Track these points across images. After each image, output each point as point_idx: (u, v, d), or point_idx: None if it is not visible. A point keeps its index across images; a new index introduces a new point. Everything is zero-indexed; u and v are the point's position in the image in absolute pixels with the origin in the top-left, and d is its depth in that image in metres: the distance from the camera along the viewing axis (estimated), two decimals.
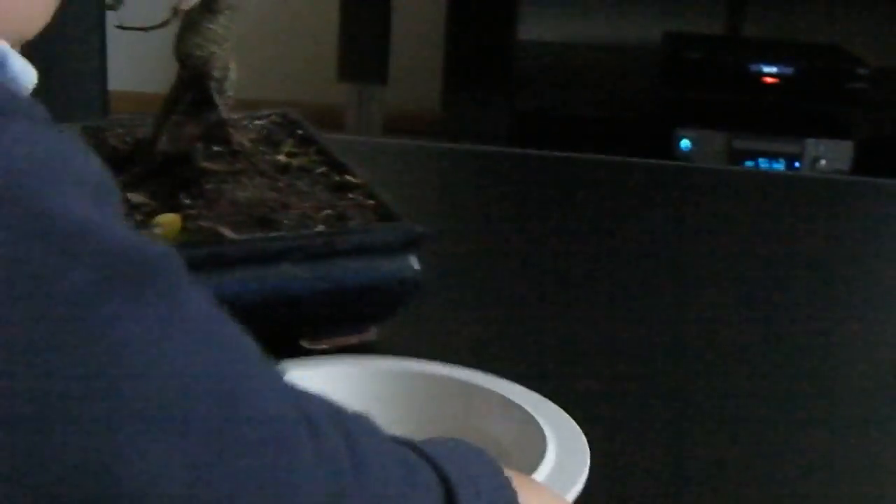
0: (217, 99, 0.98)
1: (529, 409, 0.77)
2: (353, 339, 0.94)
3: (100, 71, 1.75)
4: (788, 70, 3.28)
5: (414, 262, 0.92)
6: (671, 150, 3.18)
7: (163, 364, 0.42)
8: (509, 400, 0.78)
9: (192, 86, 0.97)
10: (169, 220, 0.89)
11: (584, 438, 0.74)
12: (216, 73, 0.96)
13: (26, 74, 0.50)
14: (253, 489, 0.43)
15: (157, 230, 0.89)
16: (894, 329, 1.06)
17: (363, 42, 3.35)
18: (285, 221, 0.91)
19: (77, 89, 1.77)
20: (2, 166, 0.41)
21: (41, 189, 0.42)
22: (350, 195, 0.98)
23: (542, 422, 0.75)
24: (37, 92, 0.50)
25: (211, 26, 0.95)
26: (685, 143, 3.26)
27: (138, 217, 0.91)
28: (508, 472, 0.57)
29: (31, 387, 0.39)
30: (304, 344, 0.93)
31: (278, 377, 0.49)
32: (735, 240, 1.23)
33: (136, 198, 0.94)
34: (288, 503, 0.44)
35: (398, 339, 0.96)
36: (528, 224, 1.26)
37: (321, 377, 0.80)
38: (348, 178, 1.00)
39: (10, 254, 0.40)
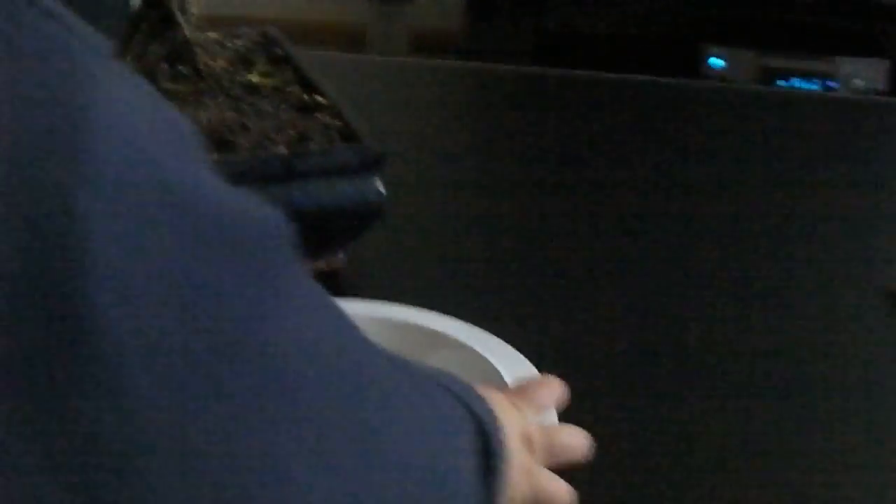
0: (179, 18, 0.95)
1: (487, 354, 0.75)
2: (321, 265, 0.93)
3: None
4: None
5: (377, 185, 0.89)
6: (700, 68, 3.13)
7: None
8: (469, 346, 0.76)
9: (155, 4, 0.95)
10: None
11: None
12: None
13: None
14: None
15: None
16: None
17: None
18: (244, 143, 0.88)
19: None
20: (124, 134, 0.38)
21: (160, 157, 0.39)
22: (317, 115, 0.95)
23: (499, 366, 0.73)
24: None
25: None
26: (715, 62, 3.20)
27: None
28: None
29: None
30: None
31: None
32: (759, 165, 1.19)
33: None
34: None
35: (367, 265, 0.94)
36: (529, 147, 1.23)
37: None
38: (317, 98, 0.98)
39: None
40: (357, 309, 0.80)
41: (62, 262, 0.35)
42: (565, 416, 0.73)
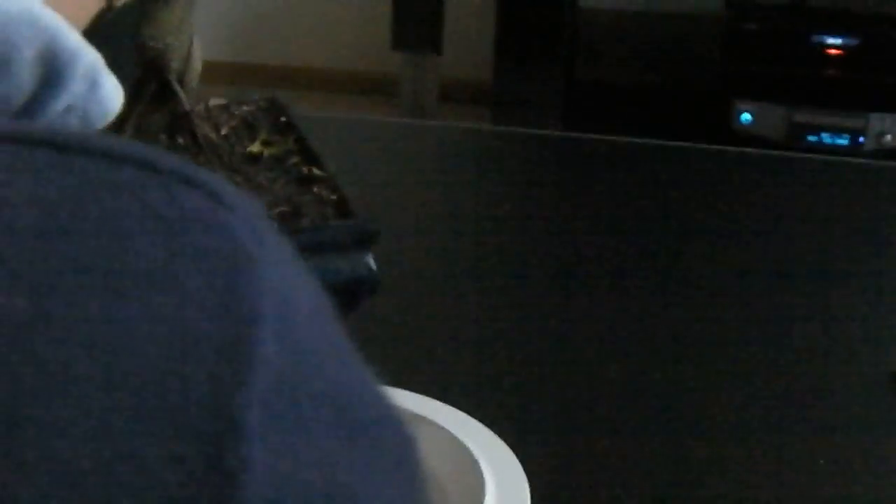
0: (177, 88, 0.96)
1: (471, 446, 0.74)
2: None
3: None
4: (852, 41, 3.20)
5: (369, 261, 0.89)
6: (731, 123, 3.12)
7: None
8: (448, 431, 0.76)
9: (152, 77, 0.95)
10: None
11: (525, 483, 0.71)
12: (175, 65, 0.94)
13: (114, 97, 0.44)
14: None
15: None
16: None
17: (417, 9, 3.32)
18: None
19: None
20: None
21: (323, 360, 0.37)
22: (314, 188, 0.95)
23: (482, 460, 0.73)
24: None
25: (165, 16, 0.92)
26: (745, 117, 3.20)
27: None
28: None
29: None
30: None
31: None
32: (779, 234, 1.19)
33: None
34: None
35: (358, 340, 0.94)
36: (533, 220, 1.23)
37: None
38: (315, 170, 0.98)
39: None
40: None
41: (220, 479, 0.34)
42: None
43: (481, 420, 0.77)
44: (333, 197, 0.93)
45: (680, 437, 0.82)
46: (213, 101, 1.11)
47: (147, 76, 0.96)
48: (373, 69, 3.77)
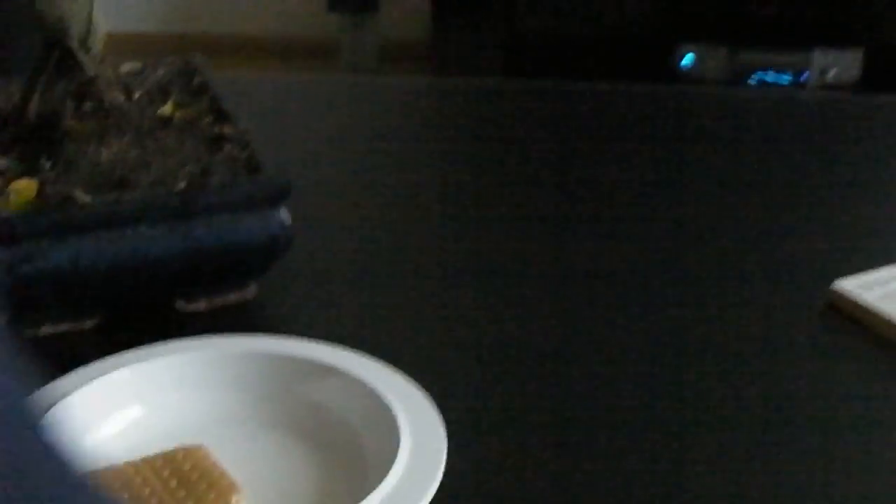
0: (81, 57, 0.94)
1: (387, 394, 0.74)
2: (232, 298, 0.92)
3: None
4: None
5: (282, 218, 0.88)
6: (674, 65, 3.11)
7: None
8: (366, 384, 0.75)
9: (54, 46, 0.94)
10: (23, 186, 0.87)
11: (443, 434, 0.71)
12: (75, 31, 0.93)
13: None
14: None
15: (11, 196, 0.86)
16: None
17: None
18: (144, 181, 0.87)
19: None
20: None
21: None
22: (226, 148, 0.94)
23: (399, 409, 0.72)
24: None
25: None
26: (688, 59, 3.19)
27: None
28: None
29: None
30: (180, 306, 0.91)
31: None
32: (723, 167, 1.18)
33: (1, 163, 0.91)
34: None
35: (280, 296, 0.93)
36: (463, 165, 1.22)
37: (173, 365, 0.78)
38: (227, 129, 0.97)
39: None
40: (257, 345, 0.79)
41: None
42: (459, 438, 0.72)
43: (400, 369, 0.77)
44: (244, 155, 0.93)
45: (590, 368, 0.82)
46: (127, 66, 1.10)
47: (49, 45, 0.94)
48: (311, 33, 3.74)
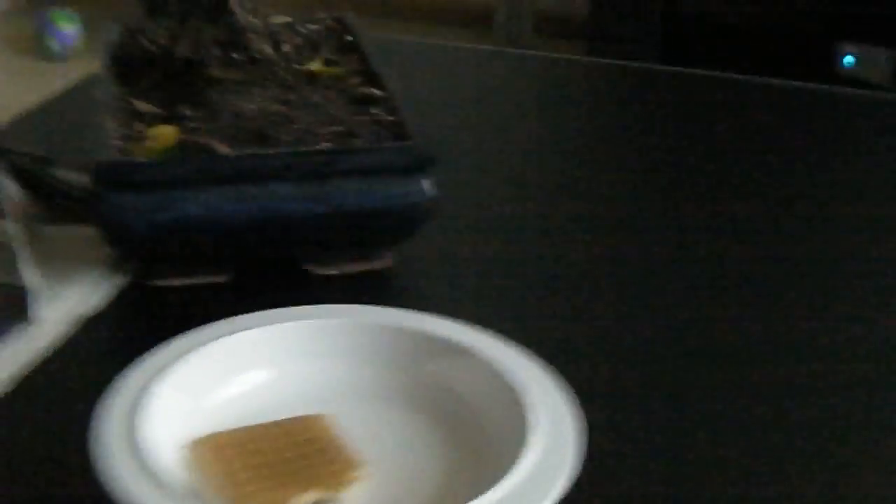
0: (233, 3, 0.91)
1: (522, 381, 0.69)
2: (365, 266, 0.88)
3: None
4: None
5: (425, 186, 0.85)
6: (833, 65, 3.02)
7: None
8: (499, 369, 0.71)
9: None
10: (163, 133, 0.84)
11: (574, 428, 0.66)
12: None
13: None
14: None
15: (151, 142, 0.84)
16: None
17: None
18: (286, 137, 0.84)
19: None
20: None
21: None
22: (372, 110, 0.91)
23: (533, 400, 0.68)
24: None
25: None
26: (848, 59, 3.10)
27: (138, 127, 0.86)
28: None
29: None
30: (311, 269, 0.88)
31: None
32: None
33: (142, 106, 0.89)
34: None
35: (417, 267, 0.90)
36: (606, 148, 1.17)
37: (306, 332, 0.75)
38: (375, 91, 0.93)
39: None
40: (393, 318, 0.76)
41: None
42: (598, 434, 0.68)
43: (534, 354, 0.72)
44: (391, 118, 0.89)
45: (719, 362, 0.77)
46: (278, 19, 1.07)
47: None
48: (466, 2, 3.70)
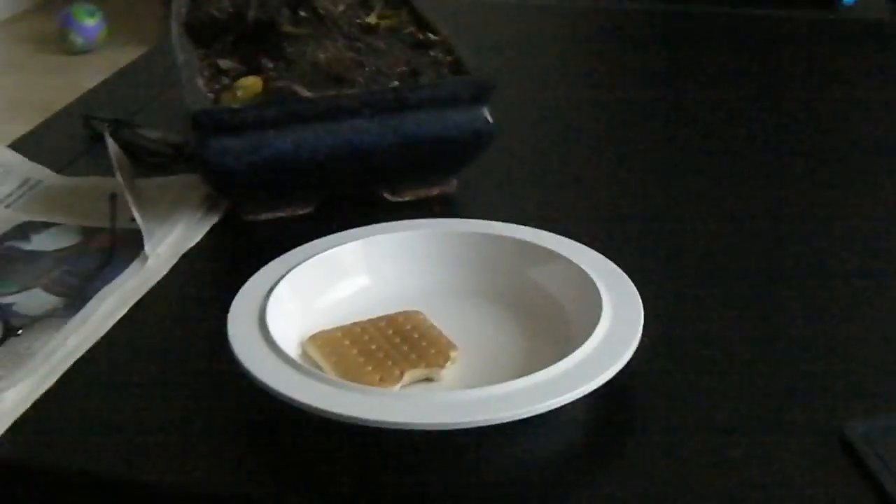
0: None
1: (588, 269, 0.80)
2: (434, 191, 0.99)
3: None
4: None
5: (485, 114, 0.95)
6: (834, 4, 3.09)
7: None
8: (569, 259, 0.81)
9: None
10: (250, 83, 0.94)
11: (639, 302, 0.76)
12: None
13: None
14: None
15: (239, 92, 0.94)
16: None
17: None
18: (359, 79, 0.95)
19: None
20: None
21: None
22: (431, 52, 1.01)
23: (599, 283, 0.78)
24: None
25: None
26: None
27: (225, 81, 0.97)
28: None
29: None
30: (388, 196, 0.98)
31: None
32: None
33: (225, 63, 0.99)
34: None
35: (478, 191, 1.00)
36: (640, 79, 1.27)
37: (396, 241, 0.85)
38: (431, 35, 1.03)
39: None
40: (468, 226, 0.86)
41: None
42: (665, 345, 0.78)
43: (601, 251, 0.83)
44: (449, 58, 0.99)
45: (783, 283, 0.86)
46: None
47: None
48: None
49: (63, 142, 1.14)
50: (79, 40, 3.89)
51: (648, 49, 1.36)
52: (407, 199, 0.98)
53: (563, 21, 1.49)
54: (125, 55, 3.70)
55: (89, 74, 3.60)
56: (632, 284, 0.78)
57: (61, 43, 3.92)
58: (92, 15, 3.89)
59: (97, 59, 3.83)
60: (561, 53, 1.36)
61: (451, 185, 0.99)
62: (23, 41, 4.10)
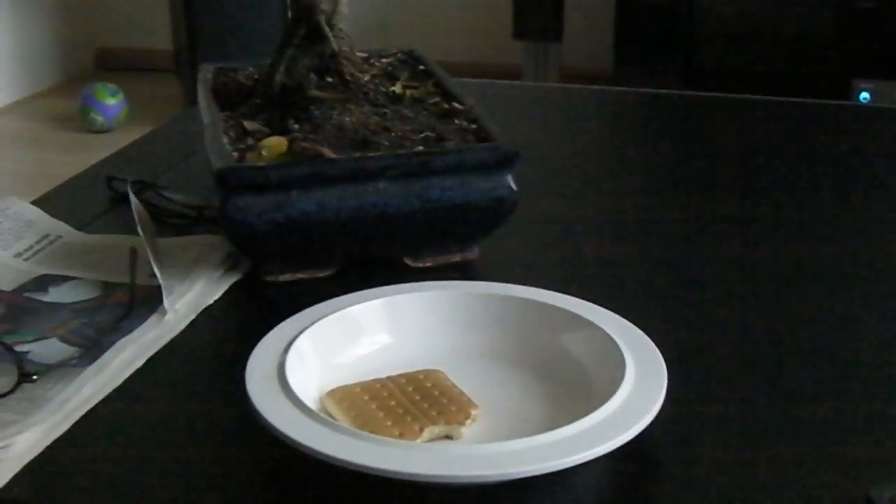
0: (327, 32, 1.02)
1: (612, 333, 0.79)
2: (456, 257, 0.98)
3: None
4: None
5: (510, 182, 0.95)
6: (850, 102, 3.11)
7: None
8: (593, 323, 0.81)
9: (303, 20, 1.02)
10: (274, 143, 0.95)
11: (663, 364, 0.76)
12: (324, 7, 1.01)
13: None
14: None
15: (263, 151, 0.94)
16: None
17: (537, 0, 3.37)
18: (384, 143, 0.95)
19: None
20: None
21: None
22: (455, 120, 1.01)
23: (623, 346, 0.78)
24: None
25: None
26: (864, 95, 3.19)
27: (250, 141, 0.97)
28: None
29: None
30: (408, 262, 0.98)
31: None
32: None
33: (250, 125, 1.00)
34: None
35: (499, 258, 1.00)
36: (663, 160, 1.28)
37: (418, 301, 0.85)
38: (455, 105, 1.04)
39: None
40: (498, 290, 0.86)
41: None
42: (688, 408, 0.77)
43: (624, 316, 0.82)
44: (474, 126, 1.00)
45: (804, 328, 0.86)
46: (356, 52, 1.18)
47: (298, 20, 1.03)
48: (495, 60, 3.83)
49: (85, 201, 1.14)
50: (99, 119, 3.93)
51: (672, 129, 1.37)
52: (428, 264, 0.98)
53: (586, 101, 1.50)
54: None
55: (108, 153, 3.62)
56: (653, 345, 0.78)
57: (82, 121, 3.96)
58: (113, 95, 3.93)
59: (117, 138, 3.87)
60: (580, 129, 1.36)
61: (473, 252, 0.99)
62: (44, 119, 4.14)
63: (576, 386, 0.78)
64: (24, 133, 4.01)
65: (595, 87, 1.64)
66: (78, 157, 3.68)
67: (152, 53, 4.60)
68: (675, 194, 1.15)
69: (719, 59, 3.43)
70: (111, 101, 3.93)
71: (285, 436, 0.68)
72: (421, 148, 0.95)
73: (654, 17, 3.33)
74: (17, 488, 0.69)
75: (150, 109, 4.11)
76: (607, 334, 0.79)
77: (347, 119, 0.98)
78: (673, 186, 1.18)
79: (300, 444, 0.67)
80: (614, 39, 3.36)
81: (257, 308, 0.93)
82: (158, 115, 4.04)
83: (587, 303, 0.84)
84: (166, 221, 1.08)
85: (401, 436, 0.71)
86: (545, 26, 3.41)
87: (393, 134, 0.97)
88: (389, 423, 0.72)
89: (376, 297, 0.85)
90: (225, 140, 0.96)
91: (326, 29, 1.03)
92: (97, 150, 3.68)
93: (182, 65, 3.93)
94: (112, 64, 4.67)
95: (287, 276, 0.96)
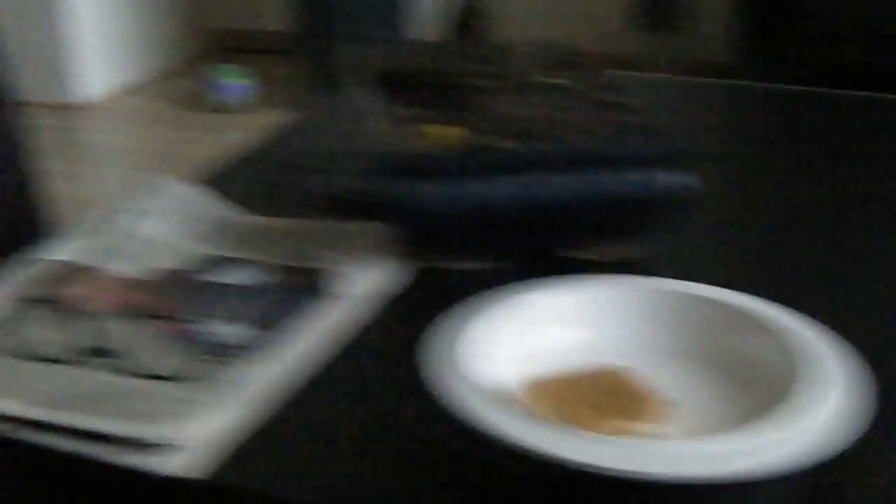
0: (487, 24, 1.02)
1: (811, 341, 0.78)
2: (617, 252, 0.97)
3: None
4: None
5: (691, 178, 0.94)
6: None
7: None
8: (796, 332, 0.79)
9: (464, 15, 1.03)
10: (450, 133, 0.95)
11: (868, 372, 0.75)
12: (479, 4, 1.01)
13: None
14: None
15: (438, 140, 0.94)
16: None
17: None
18: (559, 134, 0.95)
19: None
20: None
21: None
22: (616, 112, 1.01)
23: (829, 358, 0.76)
24: None
25: None
26: None
27: (412, 128, 0.97)
28: None
29: None
30: (571, 254, 0.97)
31: None
32: None
33: (413, 112, 1.00)
34: None
35: (663, 256, 0.99)
36: (806, 156, 1.26)
37: (588, 295, 0.84)
38: (615, 97, 1.03)
39: None
40: (674, 286, 0.85)
41: None
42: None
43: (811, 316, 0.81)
44: (635, 120, 0.99)
45: None
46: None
47: (466, 18, 1.03)
48: (612, 49, 3.81)
49: (242, 183, 1.15)
50: (220, 99, 3.97)
51: (827, 128, 1.35)
52: (592, 258, 0.97)
53: (728, 95, 1.48)
54: (273, 116, 3.78)
55: (240, 134, 3.68)
56: (858, 355, 0.77)
57: (206, 102, 4.01)
58: (238, 75, 3.97)
59: (245, 119, 3.91)
60: (728, 125, 1.35)
61: (635, 249, 0.98)
62: (170, 99, 4.20)
63: (773, 395, 0.75)
64: (151, 113, 4.07)
65: (729, 81, 1.61)
66: (212, 136, 3.73)
67: (264, 35, 4.63)
68: (863, 189, 1.13)
69: (837, 52, 3.36)
70: (238, 82, 3.97)
71: (489, 428, 0.68)
72: (604, 140, 0.94)
73: (772, 8, 3.28)
74: (207, 471, 0.70)
75: (273, 91, 4.14)
76: (813, 343, 0.78)
77: (514, 109, 0.98)
78: (861, 181, 1.16)
79: (507, 438, 0.67)
80: (734, 31, 3.32)
81: (432, 295, 0.93)
82: (282, 96, 4.07)
83: (762, 301, 0.83)
84: (334, 207, 1.08)
85: (602, 431, 0.71)
86: (661, 17, 3.39)
87: (562, 126, 0.96)
88: (591, 418, 0.72)
89: (553, 288, 0.85)
90: (391, 128, 0.96)
91: (481, 23, 1.03)
92: (230, 131, 3.74)
93: (307, 47, 3.92)
94: (231, 45, 4.72)
95: (454, 265, 0.96)
